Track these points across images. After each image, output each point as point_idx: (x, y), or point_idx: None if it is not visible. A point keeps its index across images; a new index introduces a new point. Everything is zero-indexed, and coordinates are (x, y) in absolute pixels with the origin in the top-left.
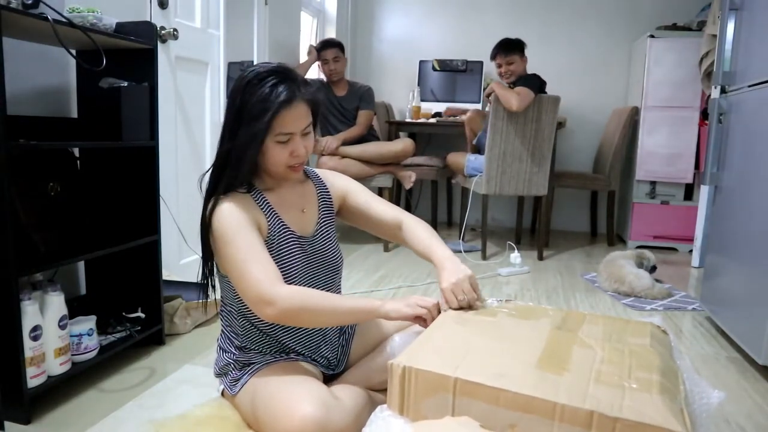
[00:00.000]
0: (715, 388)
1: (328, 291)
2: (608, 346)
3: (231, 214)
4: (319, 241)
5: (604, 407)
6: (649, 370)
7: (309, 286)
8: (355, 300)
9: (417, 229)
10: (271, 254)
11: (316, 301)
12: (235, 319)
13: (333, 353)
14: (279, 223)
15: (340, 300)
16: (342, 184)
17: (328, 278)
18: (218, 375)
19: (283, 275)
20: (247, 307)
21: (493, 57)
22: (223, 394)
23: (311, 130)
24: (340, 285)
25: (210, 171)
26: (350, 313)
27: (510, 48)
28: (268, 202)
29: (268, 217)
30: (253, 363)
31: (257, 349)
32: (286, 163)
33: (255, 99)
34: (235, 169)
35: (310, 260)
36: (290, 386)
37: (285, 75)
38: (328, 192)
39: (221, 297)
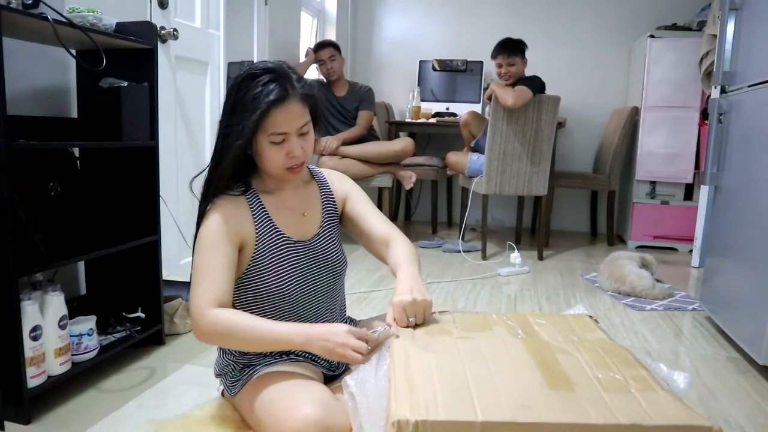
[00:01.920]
0: (675, 370)
1: (330, 295)
2: (580, 348)
3: (213, 226)
4: (320, 245)
5: (635, 417)
6: (629, 365)
7: (308, 291)
8: (283, 330)
9: (400, 247)
10: (261, 260)
11: (239, 332)
12: None
13: None
14: (271, 228)
15: (269, 329)
16: (345, 189)
17: (329, 283)
18: (218, 375)
19: (275, 281)
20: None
21: (494, 56)
22: (223, 394)
23: (309, 129)
24: (342, 289)
25: (205, 172)
26: (273, 346)
27: (512, 49)
28: (262, 206)
29: (257, 223)
30: (253, 364)
31: (256, 351)
32: (283, 164)
33: (247, 97)
34: (223, 166)
35: (308, 265)
36: (291, 387)
37: (279, 73)
38: (332, 195)
39: None
